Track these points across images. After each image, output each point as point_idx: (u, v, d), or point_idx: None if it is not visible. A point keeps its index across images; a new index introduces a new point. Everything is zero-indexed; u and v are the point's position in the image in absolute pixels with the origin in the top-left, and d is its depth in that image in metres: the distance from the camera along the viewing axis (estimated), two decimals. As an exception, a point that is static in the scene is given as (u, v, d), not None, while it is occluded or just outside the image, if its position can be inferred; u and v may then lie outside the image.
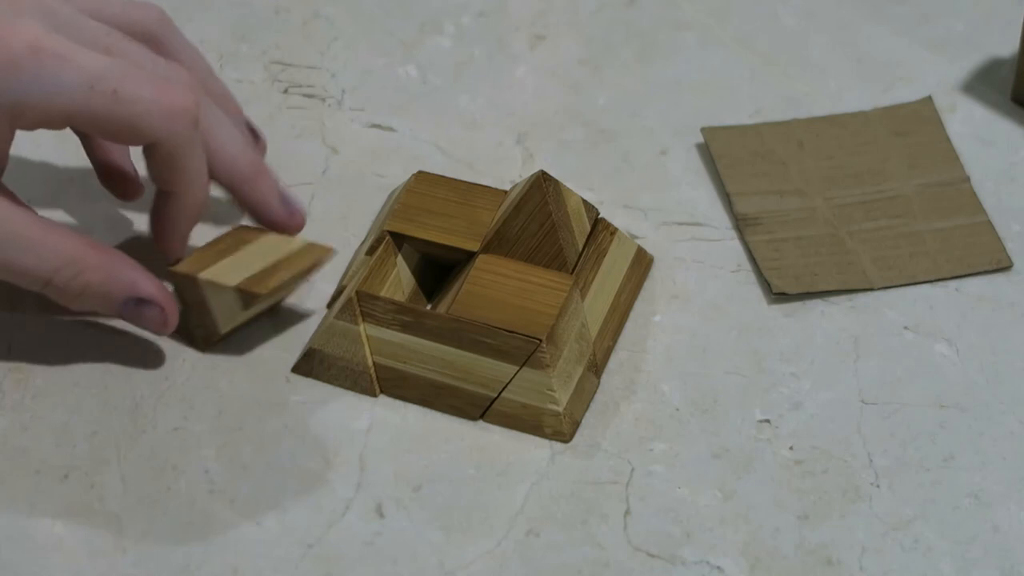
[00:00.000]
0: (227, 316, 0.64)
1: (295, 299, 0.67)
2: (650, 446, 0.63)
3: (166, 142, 0.61)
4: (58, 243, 0.61)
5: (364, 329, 0.64)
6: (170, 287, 0.64)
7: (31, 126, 0.60)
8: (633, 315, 0.67)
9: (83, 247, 0.61)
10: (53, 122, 0.60)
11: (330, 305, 0.67)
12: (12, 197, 0.62)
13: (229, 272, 0.63)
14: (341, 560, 0.60)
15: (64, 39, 0.60)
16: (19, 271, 0.60)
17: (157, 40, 0.65)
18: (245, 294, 0.63)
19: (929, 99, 0.74)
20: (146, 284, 0.62)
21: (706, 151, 0.73)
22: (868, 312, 0.67)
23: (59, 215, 0.70)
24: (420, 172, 0.69)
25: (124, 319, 0.63)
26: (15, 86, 0.59)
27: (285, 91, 0.75)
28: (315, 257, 0.64)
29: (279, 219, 0.66)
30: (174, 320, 0.63)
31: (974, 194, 0.71)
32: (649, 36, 0.78)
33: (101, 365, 0.65)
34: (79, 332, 0.66)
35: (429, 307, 0.67)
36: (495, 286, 0.64)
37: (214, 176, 0.65)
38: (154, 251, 0.65)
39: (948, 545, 0.60)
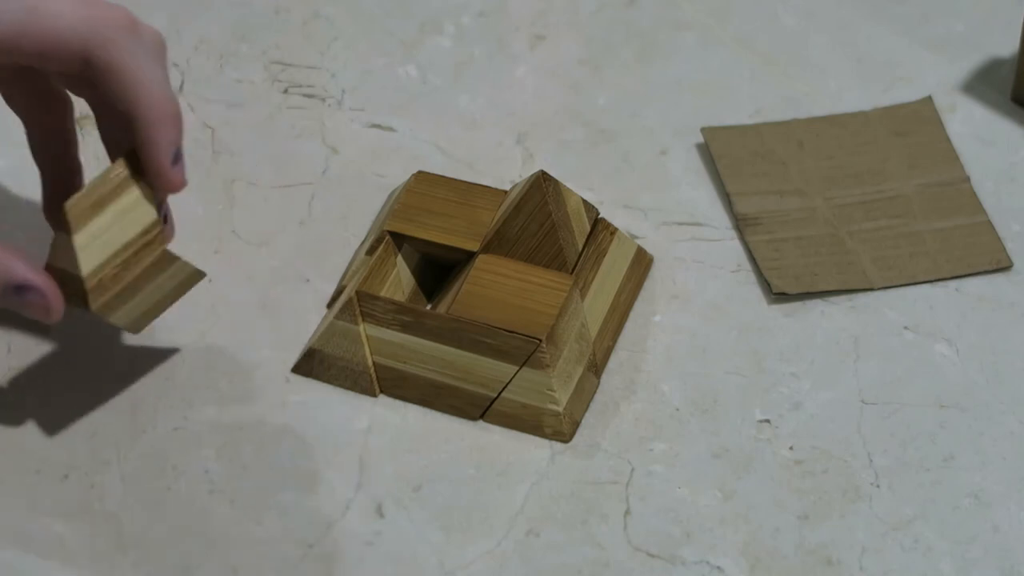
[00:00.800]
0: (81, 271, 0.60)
1: (295, 299, 0.67)
2: (650, 446, 0.63)
3: (100, 49, 0.59)
4: None
5: (364, 329, 0.64)
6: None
7: None
8: (633, 315, 0.67)
9: None
10: None
11: (330, 305, 0.67)
12: None
13: (99, 246, 0.60)
14: (341, 560, 0.60)
15: None
16: None
17: None
18: (84, 293, 0.60)
19: (929, 99, 0.74)
20: (22, 270, 0.59)
21: (706, 151, 0.73)
22: (868, 312, 0.67)
23: None
24: (420, 172, 0.69)
25: (8, 308, 0.60)
26: None
27: (285, 91, 0.75)
28: (184, 280, 0.62)
29: (166, 171, 0.61)
30: (58, 305, 0.60)
31: (974, 194, 0.71)
32: (649, 36, 0.78)
33: (101, 365, 0.65)
34: (79, 332, 0.66)
35: (429, 307, 0.67)
36: (495, 286, 0.64)
37: (130, 107, 0.61)
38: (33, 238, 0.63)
39: (948, 545, 0.60)
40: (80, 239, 0.59)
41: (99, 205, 0.59)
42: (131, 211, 0.60)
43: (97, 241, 0.59)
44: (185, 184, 0.61)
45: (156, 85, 0.60)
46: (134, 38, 0.60)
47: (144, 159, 0.61)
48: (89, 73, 0.60)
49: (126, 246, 0.60)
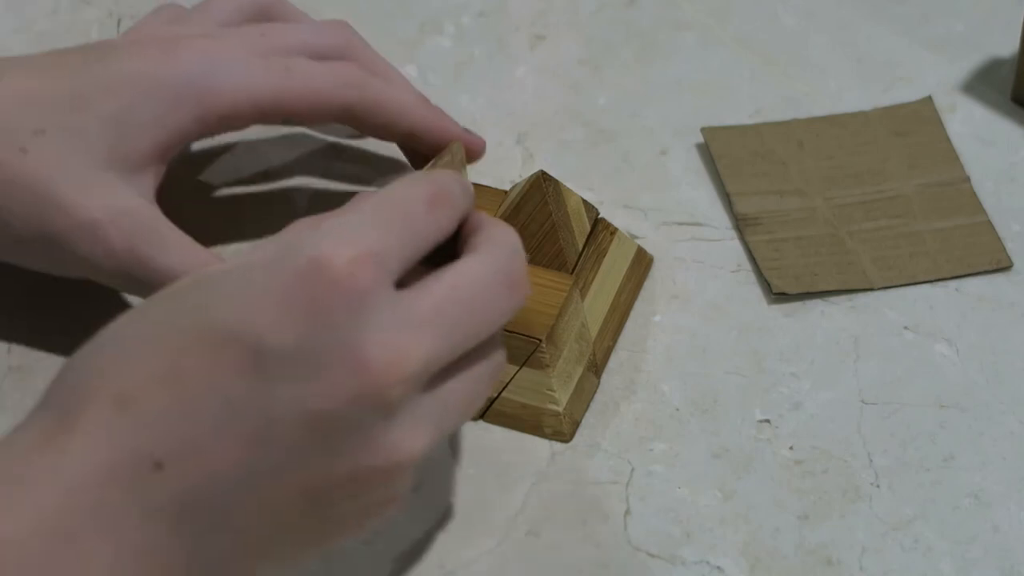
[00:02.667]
0: None
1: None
2: (650, 446, 0.63)
3: (359, 96, 0.63)
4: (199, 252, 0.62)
5: None
6: None
7: (216, 118, 0.62)
8: (633, 315, 0.67)
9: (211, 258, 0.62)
10: (239, 109, 0.62)
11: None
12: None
13: None
14: (341, 560, 0.60)
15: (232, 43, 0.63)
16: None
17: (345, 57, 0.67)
18: None
19: (929, 99, 0.74)
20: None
21: (706, 151, 0.73)
22: (868, 312, 0.67)
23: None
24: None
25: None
26: (202, 77, 0.61)
27: (285, 91, 0.75)
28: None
29: (469, 141, 0.67)
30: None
31: (974, 194, 0.71)
32: (649, 36, 0.78)
33: (101, 365, 0.65)
34: (79, 332, 0.66)
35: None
36: (495, 286, 0.64)
37: (395, 128, 0.65)
38: None
39: (948, 545, 0.60)
40: None
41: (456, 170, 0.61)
42: None
43: None
44: (483, 141, 0.68)
45: (414, 103, 0.66)
46: (377, 75, 0.65)
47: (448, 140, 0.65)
48: (347, 118, 0.64)
49: None
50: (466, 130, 0.67)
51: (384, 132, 0.65)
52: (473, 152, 0.67)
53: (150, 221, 0.61)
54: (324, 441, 0.49)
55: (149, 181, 0.62)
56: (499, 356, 0.54)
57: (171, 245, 0.61)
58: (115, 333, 0.51)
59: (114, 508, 0.48)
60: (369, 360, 0.49)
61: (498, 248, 0.54)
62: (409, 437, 0.50)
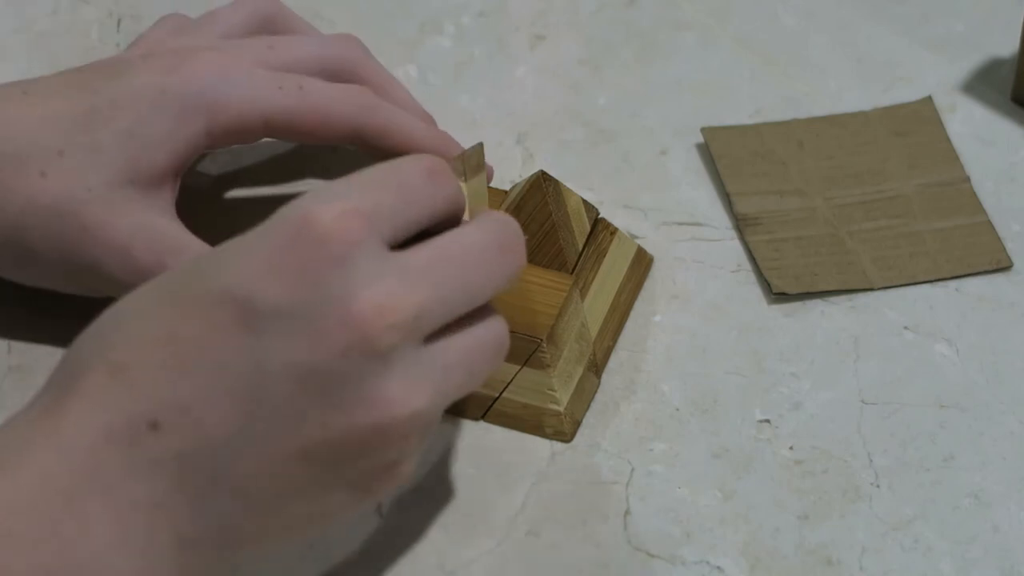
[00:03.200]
0: None
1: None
2: (650, 446, 0.63)
3: (368, 120, 0.64)
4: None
5: None
6: None
7: (225, 131, 0.62)
8: (633, 315, 0.67)
9: None
10: (248, 123, 0.62)
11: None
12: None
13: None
14: (341, 560, 0.60)
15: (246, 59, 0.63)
16: None
17: (354, 74, 0.67)
18: None
19: (929, 99, 0.74)
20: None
21: (706, 151, 0.73)
22: (868, 312, 0.67)
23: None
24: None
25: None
26: (211, 89, 0.61)
27: (285, 91, 0.75)
28: None
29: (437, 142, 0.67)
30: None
31: (974, 194, 0.71)
32: (649, 36, 0.78)
33: (101, 365, 0.65)
34: (79, 332, 0.66)
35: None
36: (495, 286, 0.64)
37: (399, 152, 0.65)
38: None
39: (948, 545, 0.60)
40: (467, 187, 0.60)
41: (472, 172, 0.61)
42: (479, 192, 0.62)
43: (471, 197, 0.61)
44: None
45: (421, 130, 0.66)
46: (387, 95, 0.66)
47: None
48: (354, 140, 0.64)
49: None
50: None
51: (388, 155, 0.65)
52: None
53: (175, 237, 0.61)
54: (319, 396, 0.49)
55: (168, 195, 0.62)
56: (498, 325, 0.54)
57: None
58: (113, 312, 0.52)
59: (112, 469, 0.49)
60: (357, 310, 0.49)
61: (493, 219, 0.54)
62: (405, 391, 0.50)
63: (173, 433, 0.49)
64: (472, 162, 0.61)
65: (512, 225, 0.55)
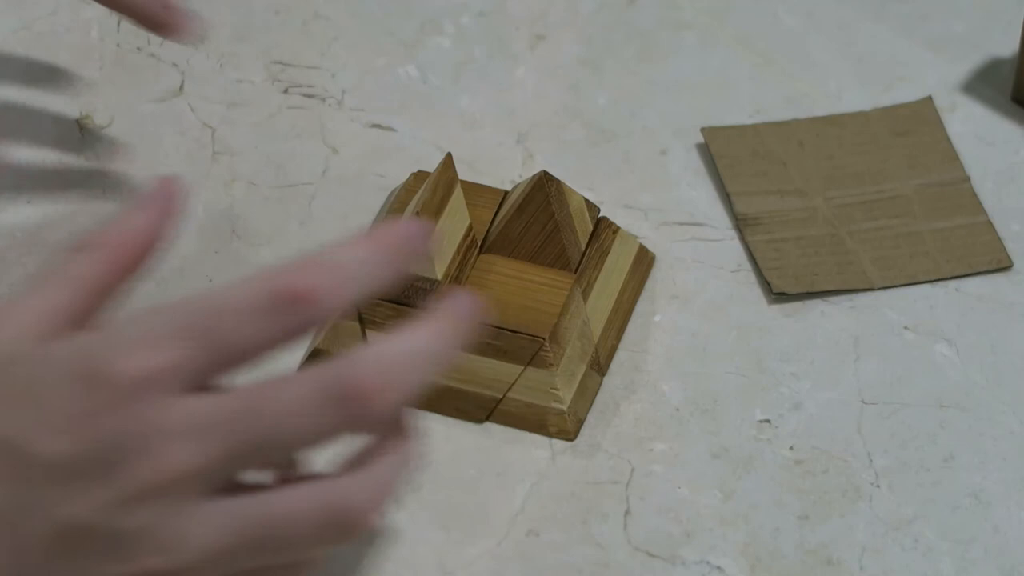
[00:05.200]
0: None
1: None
2: (650, 446, 0.63)
3: None
4: None
5: (368, 332, 0.64)
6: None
7: None
8: (633, 315, 0.67)
9: None
10: None
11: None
12: None
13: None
14: (341, 560, 0.60)
15: None
16: None
17: None
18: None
19: (929, 99, 0.74)
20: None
21: (706, 151, 0.73)
22: (868, 312, 0.67)
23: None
24: (419, 172, 0.69)
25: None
26: None
27: (285, 91, 0.75)
28: None
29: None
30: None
31: (974, 194, 0.71)
32: (649, 36, 0.78)
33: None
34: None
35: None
36: (496, 286, 0.64)
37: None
38: None
39: (948, 545, 0.60)
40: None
41: (438, 212, 0.62)
42: (457, 213, 0.63)
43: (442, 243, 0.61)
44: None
45: None
46: None
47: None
48: None
49: (457, 249, 0.64)
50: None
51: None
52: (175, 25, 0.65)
53: None
54: (78, 551, 0.48)
55: None
56: (304, 492, 0.50)
57: None
58: None
59: None
60: (129, 472, 0.47)
61: (332, 368, 0.49)
62: (167, 546, 0.48)
63: None
64: (440, 192, 0.62)
65: (356, 375, 0.48)
